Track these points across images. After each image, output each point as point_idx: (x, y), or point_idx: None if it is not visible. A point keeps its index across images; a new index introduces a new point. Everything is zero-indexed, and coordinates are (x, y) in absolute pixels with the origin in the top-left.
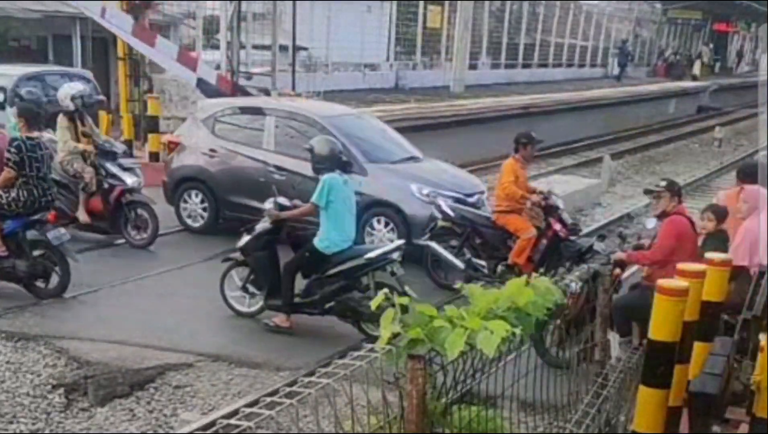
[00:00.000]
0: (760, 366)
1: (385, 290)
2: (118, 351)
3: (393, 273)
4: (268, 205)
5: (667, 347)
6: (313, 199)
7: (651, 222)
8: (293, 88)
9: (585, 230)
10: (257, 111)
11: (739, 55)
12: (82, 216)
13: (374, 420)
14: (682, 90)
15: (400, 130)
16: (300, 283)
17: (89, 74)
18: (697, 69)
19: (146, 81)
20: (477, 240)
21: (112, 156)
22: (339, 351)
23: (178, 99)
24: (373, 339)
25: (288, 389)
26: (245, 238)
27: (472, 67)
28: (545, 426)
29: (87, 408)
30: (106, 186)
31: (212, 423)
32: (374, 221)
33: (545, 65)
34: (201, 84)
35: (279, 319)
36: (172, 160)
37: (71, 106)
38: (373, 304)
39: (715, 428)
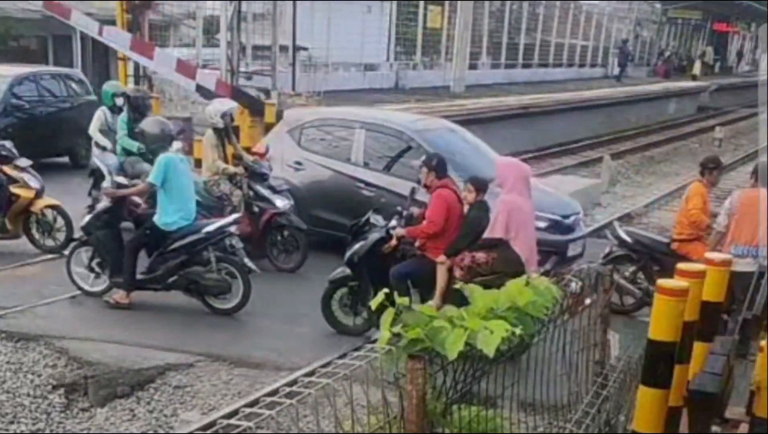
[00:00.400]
0: (760, 366)
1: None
2: (118, 351)
3: (232, 246)
4: (105, 183)
5: (667, 347)
6: (150, 178)
7: (425, 196)
8: (293, 88)
9: (586, 230)
10: (346, 123)
11: (739, 54)
12: None
13: (374, 420)
14: (682, 90)
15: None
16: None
17: (82, 75)
18: (697, 69)
19: (146, 81)
20: (654, 268)
21: (261, 177)
22: (339, 351)
23: (177, 99)
24: (217, 312)
25: (288, 389)
26: (87, 218)
27: (472, 67)
28: (545, 426)
29: (87, 408)
30: (256, 209)
31: (212, 423)
32: None
33: (545, 65)
34: (200, 89)
35: (119, 296)
36: None
37: (220, 124)
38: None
39: (715, 428)
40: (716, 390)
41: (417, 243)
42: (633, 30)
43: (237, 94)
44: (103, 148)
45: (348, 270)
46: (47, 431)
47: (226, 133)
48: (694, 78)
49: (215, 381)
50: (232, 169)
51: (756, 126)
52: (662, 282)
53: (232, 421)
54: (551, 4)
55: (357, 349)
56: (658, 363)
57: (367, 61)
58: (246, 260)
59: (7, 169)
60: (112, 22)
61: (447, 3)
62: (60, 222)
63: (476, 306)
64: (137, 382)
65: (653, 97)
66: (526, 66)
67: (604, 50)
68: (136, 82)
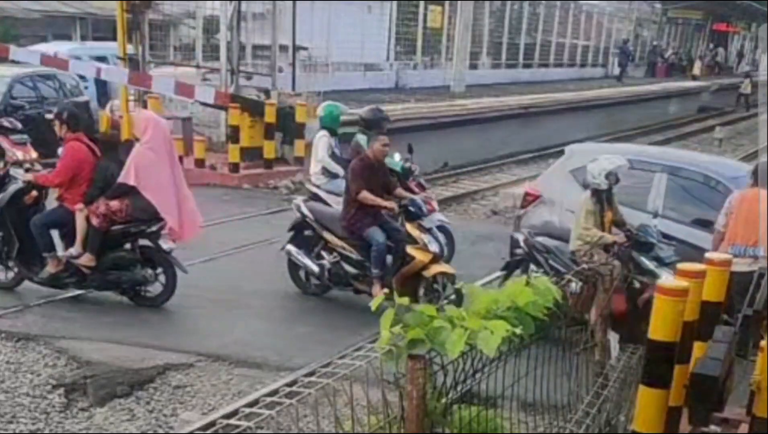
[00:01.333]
0: (760, 366)
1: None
2: (118, 351)
3: None
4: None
5: (667, 347)
6: None
7: (61, 150)
8: (293, 87)
9: None
10: (645, 165)
11: (740, 55)
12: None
13: (374, 420)
14: (683, 90)
15: (401, 130)
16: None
17: (76, 76)
18: (697, 69)
19: None
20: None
21: (647, 247)
22: (339, 351)
23: (177, 99)
24: None
25: (288, 389)
26: None
27: (473, 66)
28: (545, 426)
29: (87, 408)
30: (636, 284)
31: (212, 423)
32: None
33: (546, 65)
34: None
35: None
36: (526, 215)
37: (604, 185)
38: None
39: (715, 428)
40: (717, 373)
41: (57, 195)
42: (633, 30)
43: (235, 97)
44: (335, 175)
45: None
46: (46, 431)
47: (607, 195)
48: (694, 78)
49: (215, 381)
50: (610, 237)
51: (756, 126)
52: (662, 282)
53: (232, 421)
54: (551, 4)
55: (357, 349)
56: (658, 363)
57: (367, 61)
58: None
59: (410, 227)
60: (113, 22)
61: (447, 3)
62: (449, 289)
63: (476, 306)
64: (137, 382)
65: (653, 97)
66: (526, 66)
67: (604, 50)
68: None
